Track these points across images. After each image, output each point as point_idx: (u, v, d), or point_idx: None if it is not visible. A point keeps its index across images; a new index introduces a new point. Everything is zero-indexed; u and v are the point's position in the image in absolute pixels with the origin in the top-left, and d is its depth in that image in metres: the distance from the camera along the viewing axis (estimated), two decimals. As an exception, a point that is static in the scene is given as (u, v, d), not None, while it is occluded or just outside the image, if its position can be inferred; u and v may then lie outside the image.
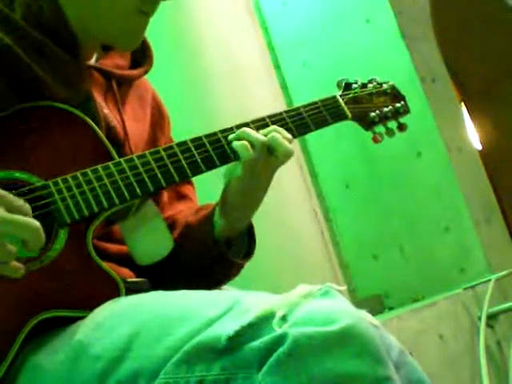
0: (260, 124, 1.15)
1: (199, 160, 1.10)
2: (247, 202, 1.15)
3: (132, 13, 1.10)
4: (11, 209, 0.90)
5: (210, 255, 1.16)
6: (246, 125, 1.14)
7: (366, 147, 3.12)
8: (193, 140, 1.10)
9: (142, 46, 1.24)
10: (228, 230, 1.16)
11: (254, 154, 1.09)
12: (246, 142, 1.10)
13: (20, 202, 0.92)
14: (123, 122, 1.16)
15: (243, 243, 1.21)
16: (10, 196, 0.91)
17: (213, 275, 1.19)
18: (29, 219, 0.90)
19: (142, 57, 1.25)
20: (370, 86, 1.35)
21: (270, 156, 1.11)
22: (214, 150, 1.11)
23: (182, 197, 1.27)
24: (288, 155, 1.11)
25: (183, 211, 1.24)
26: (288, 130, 1.17)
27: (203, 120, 2.35)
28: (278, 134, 1.11)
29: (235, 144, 1.10)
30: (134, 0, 1.10)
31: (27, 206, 0.92)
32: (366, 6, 3.22)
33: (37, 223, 0.90)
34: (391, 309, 3.10)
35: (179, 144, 1.10)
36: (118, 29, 1.12)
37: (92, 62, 1.20)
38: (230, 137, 1.12)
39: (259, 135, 1.10)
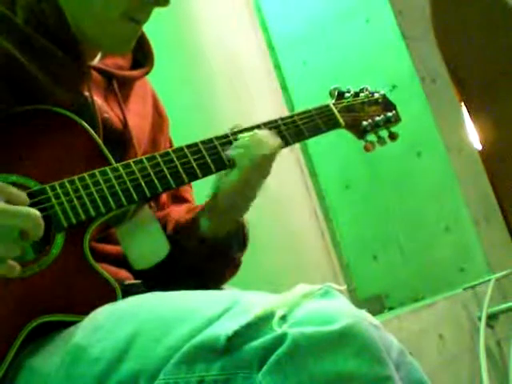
0: None
1: (195, 166, 1.11)
2: (236, 207, 1.16)
3: (120, 19, 1.10)
4: (9, 200, 0.91)
5: (200, 253, 1.17)
6: (240, 132, 1.15)
7: (365, 147, 3.12)
8: (189, 146, 1.11)
9: (143, 46, 1.25)
10: (214, 231, 1.17)
11: (255, 166, 1.12)
12: (242, 151, 1.12)
13: (17, 192, 0.93)
14: (126, 122, 1.17)
15: (237, 238, 1.22)
16: (7, 187, 0.92)
17: (207, 272, 1.20)
18: (28, 208, 0.91)
19: (143, 57, 1.26)
20: (362, 94, 1.37)
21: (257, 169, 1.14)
22: (210, 156, 1.12)
23: (179, 199, 1.28)
24: (275, 151, 1.14)
25: (176, 211, 1.25)
26: (282, 137, 1.19)
27: (203, 120, 2.35)
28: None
29: (234, 153, 1.13)
30: (122, 7, 1.09)
31: (24, 197, 0.93)
32: (366, 5, 3.22)
33: (36, 211, 0.91)
34: (391, 309, 3.10)
35: (176, 150, 1.11)
36: (107, 33, 1.12)
37: (95, 61, 1.20)
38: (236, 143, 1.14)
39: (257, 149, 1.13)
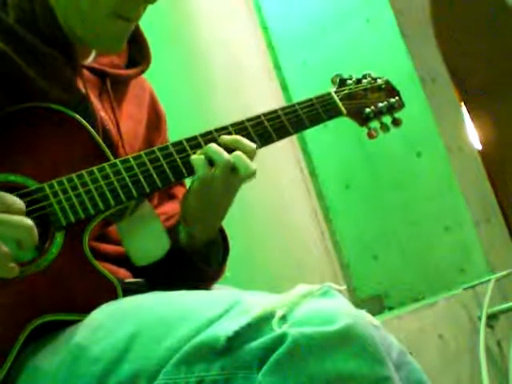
0: (255, 122, 1.15)
1: None
2: (206, 217, 1.14)
3: (109, 17, 1.09)
4: (4, 208, 0.91)
5: (177, 261, 1.15)
6: (242, 123, 1.14)
7: (365, 147, 3.12)
8: (188, 140, 1.10)
9: (139, 45, 1.23)
10: (190, 240, 1.15)
11: (215, 173, 1.07)
12: (203, 158, 1.07)
13: (13, 200, 0.93)
14: (117, 123, 1.16)
15: (218, 250, 1.21)
16: (3, 195, 0.92)
17: (185, 280, 1.17)
18: (22, 218, 0.91)
19: (139, 56, 1.24)
20: (365, 81, 1.35)
21: (232, 174, 1.08)
22: None
23: (171, 197, 1.27)
24: (250, 176, 1.08)
25: (166, 213, 1.24)
26: (283, 127, 1.17)
27: (203, 120, 2.35)
28: (243, 154, 1.08)
29: (194, 158, 1.08)
30: (110, 4, 1.08)
31: (21, 205, 0.93)
32: (366, 5, 3.22)
33: (29, 221, 0.91)
34: (391, 309, 3.10)
35: (174, 144, 1.09)
36: (96, 32, 1.11)
37: (89, 60, 1.19)
38: (198, 152, 1.09)
39: (224, 154, 1.07)
